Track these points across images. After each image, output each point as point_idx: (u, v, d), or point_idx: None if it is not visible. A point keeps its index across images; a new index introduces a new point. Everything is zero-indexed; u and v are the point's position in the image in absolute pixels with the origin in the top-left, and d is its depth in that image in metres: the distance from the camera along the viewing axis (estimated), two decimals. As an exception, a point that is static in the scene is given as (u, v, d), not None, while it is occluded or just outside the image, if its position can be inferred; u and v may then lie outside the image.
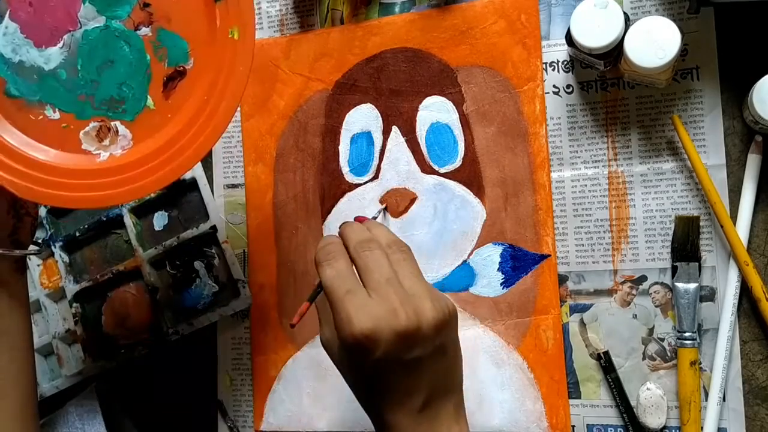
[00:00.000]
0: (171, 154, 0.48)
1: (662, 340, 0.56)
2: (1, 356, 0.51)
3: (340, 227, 0.50)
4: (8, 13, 0.49)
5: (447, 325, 0.44)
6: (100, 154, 0.49)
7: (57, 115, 0.49)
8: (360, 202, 0.63)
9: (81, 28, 0.49)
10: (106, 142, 0.49)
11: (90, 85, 0.49)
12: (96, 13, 0.49)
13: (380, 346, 0.42)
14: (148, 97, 0.49)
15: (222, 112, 0.47)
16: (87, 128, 0.49)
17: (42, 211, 0.70)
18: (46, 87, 0.49)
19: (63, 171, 0.48)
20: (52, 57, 0.49)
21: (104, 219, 0.70)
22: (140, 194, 0.48)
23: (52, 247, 0.71)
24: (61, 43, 0.49)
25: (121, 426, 0.67)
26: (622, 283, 0.57)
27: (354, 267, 0.46)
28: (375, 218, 0.57)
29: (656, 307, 0.56)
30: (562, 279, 0.58)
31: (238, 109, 0.68)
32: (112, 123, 0.49)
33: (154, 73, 0.49)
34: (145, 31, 0.49)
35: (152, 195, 0.69)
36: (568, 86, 0.59)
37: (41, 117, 0.49)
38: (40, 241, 0.56)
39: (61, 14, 0.49)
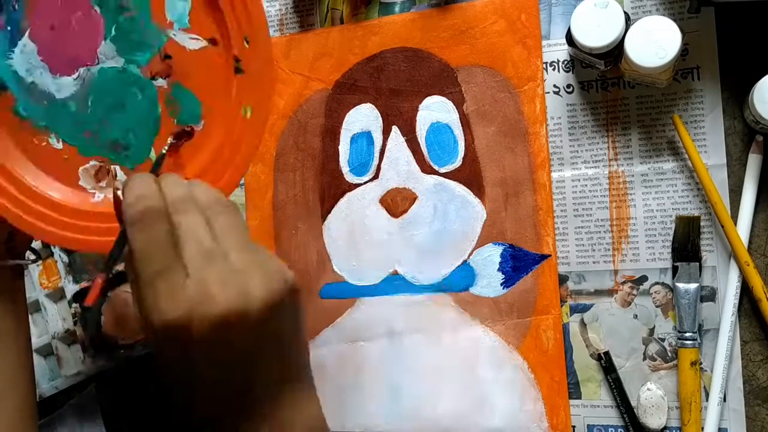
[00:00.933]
0: None
1: (663, 340, 0.56)
2: (2, 359, 0.50)
3: (153, 174, 0.41)
4: (29, 31, 0.48)
5: (283, 306, 0.36)
6: (95, 194, 0.48)
7: (60, 146, 0.48)
8: (360, 202, 0.63)
9: (98, 64, 0.48)
10: (103, 183, 0.48)
11: (97, 123, 0.48)
12: (116, 53, 0.48)
13: (194, 340, 0.34)
14: (153, 149, 0.48)
15: (225, 181, 0.46)
16: (87, 165, 0.48)
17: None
18: (54, 115, 0.48)
19: (56, 205, 0.47)
20: (64, 86, 0.48)
21: (104, 219, 0.70)
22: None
23: (52, 247, 0.71)
24: (77, 74, 0.48)
25: (120, 426, 0.67)
26: (623, 283, 0.57)
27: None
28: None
29: (657, 307, 0.56)
30: (563, 279, 0.58)
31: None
32: (112, 166, 0.48)
33: (162, 126, 0.47)
34: (161, 82, 0.47)
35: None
36: (568, 86, 0.59)
37: (45, 144, 0.48)
38: (37, 249, 0.56)
39: (81, 46, 0.48)
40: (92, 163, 0.48)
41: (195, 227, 0.36)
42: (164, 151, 0.44)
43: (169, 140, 0.46)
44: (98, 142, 0.48)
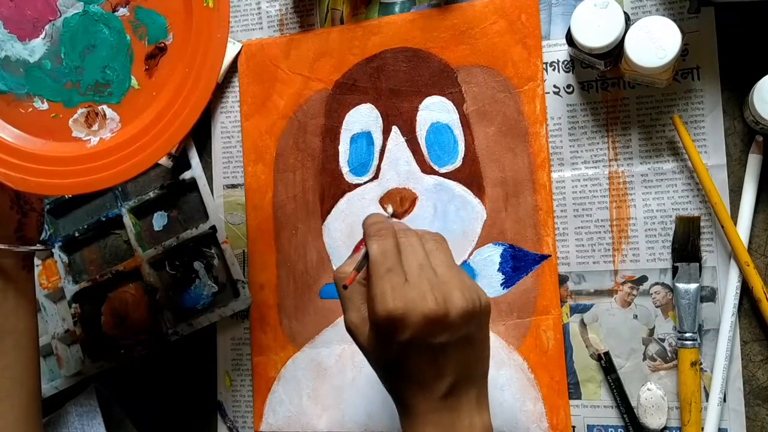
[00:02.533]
0: (158, 130, 0.48)
1: (663, 340, 0.56)
2: (6, 356, 0.50)
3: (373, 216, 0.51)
4: None
5: (475, 317, 0.45)
6: (90, 139, 0.49)
7: (45, 106, 0.50)
8: (360, 202, 0.63)
9: (61, 16, 0.50)
10: (95, 127, 0.49)
11: (75, 72, 0.50)
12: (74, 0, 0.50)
13: (408, 328, 0.43)
14: (132, 77, 0.49)
15: (204, 82, 0.48)
16: (75, 115, 0.50)
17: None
18: (33, 79, 0.50)
19: (55, 160, 0.49)
20: (36, 49, 0.50)
21: (103, 219, 0.70)
22: (132, 173, 0.49)
23: (51, 248, 0.71)
24: (43, 33, 0.50)
25: (120, 427, 0.67)
26: (623, 283, 0.57)
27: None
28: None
29: (657, 307, 0.56)
30: (563, 279, 0.58)
31: (238, 109, 0.68)
32: (99, 107, 0.50)
33: (135, 53, 0.49)
34: (123, 11, 0.49)
35: (151, 195, 0.69)
36: (568, 86, 0.59)
37: (30, 110, 0.50)
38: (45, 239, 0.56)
39: (41, 5, 0.50)
40: (80, 111, 0.50)
41: (414, 245, 0.47)
42: (363, 260, 0.48)
43: None
44: (80, 90, 0.50)
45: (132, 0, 0.49)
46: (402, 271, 0.45)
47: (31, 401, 0.52)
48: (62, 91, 0.50)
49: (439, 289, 0.44)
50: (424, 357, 0.44)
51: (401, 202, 0.62)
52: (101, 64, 0.50)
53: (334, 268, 0.64)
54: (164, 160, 0.66)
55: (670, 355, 0.55)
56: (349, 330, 0.47)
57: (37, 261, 0.72)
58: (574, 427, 0.57)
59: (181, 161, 0.68)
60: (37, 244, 0.54)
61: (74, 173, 0.48)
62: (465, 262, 0.60)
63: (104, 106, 0.50)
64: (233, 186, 0.68)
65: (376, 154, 0.63)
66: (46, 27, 0.50)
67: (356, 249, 0.48)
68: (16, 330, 0.51)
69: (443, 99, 0.62)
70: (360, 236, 0.63)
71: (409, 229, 0.49)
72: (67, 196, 0.70)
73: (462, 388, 0.45)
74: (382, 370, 0.47)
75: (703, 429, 0.54)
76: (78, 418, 0.62)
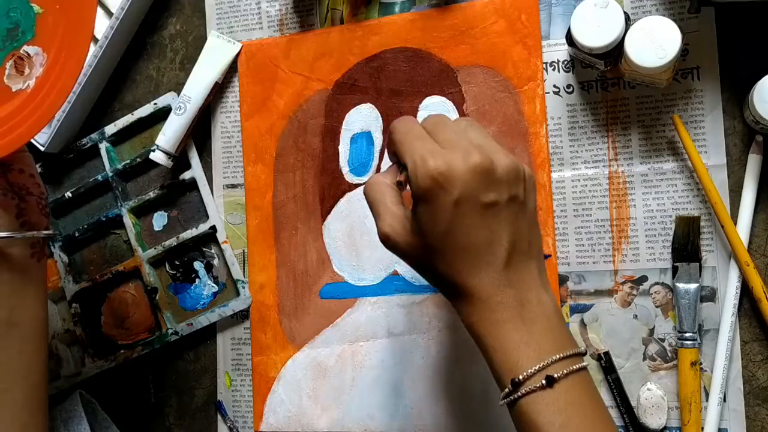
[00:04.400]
0: (72, 33, 0.49)
1: (663, 340, 0.56)
2: (11, 348, 0.49)
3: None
4: None
5: (521, 178, 0.43)
6: (29, 84, 0.49)
7: None
8: (360, 202, 0.63)
9: None
10: (27, 70, 0.50)
11: None
12: None
13: (456, 183, 0.41)
14: (33, 5, 0.50)
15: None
16: (6, 72, 0.50)
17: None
18: None
19: (7, 117, 0.49)
20: None
21: (103, 219, 0.70)
22: (69, 82, 0.49)
23: (52, 248, 0.71)
24: None
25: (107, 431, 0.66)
26: (623, 283, 0.57)
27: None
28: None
29: (657, 307, 0.56)
30: (563, 279, 0.58)
31: (238, 109, 0.68)
32: (20, 51, 0.50)
33: None
34: None
35: (151, 195, 0.69)
36: (568, 86, 0.59)
37: None
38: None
39: None
40: (8, 65, 0.50)
41: (443, 121, 0.46)
42: None
43: None
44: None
45: None
46: (435, 142, 0.44)
47: (35, 394, 0.51)
48: None
49: (481, 149, 0.42)
50: (476, 218, 0.42)
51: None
52: (3, 12, 0.50)
53: (334, 268, 0.64)
54: (164, 160, 0.66)
55: (670, 355, 0.55)
56: (385, 236, 0.45)
57: (37, 261, 0.72)
58: (574, 427, 0.57)
59: (181, 161, 0.68)
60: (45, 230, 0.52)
61: (27, 116, 0.49)
62: (465, 262, 0.60)
63: (24, 47, 0.50)
64: (233, 186, 0.68)
65: (376, 154, 0.63)
66: None
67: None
68: (22, 323, 0.50)
69: (443, 99, 0.62)
70: (359, 237, 0.63)
71: (439, 113, 0.48)
72: (67, 194, 0.70)
73: (520, 260, 0.43)
74: (430, 255, 0.44)
75: (703, 429, 0.54)
76: (63, 425, 0.62)
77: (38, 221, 0.51)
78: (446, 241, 0.43)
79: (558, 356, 0.41)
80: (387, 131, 0.63)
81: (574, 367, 0.42)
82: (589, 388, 0.43)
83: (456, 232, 0.42)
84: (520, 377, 0.41)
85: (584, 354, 0.44)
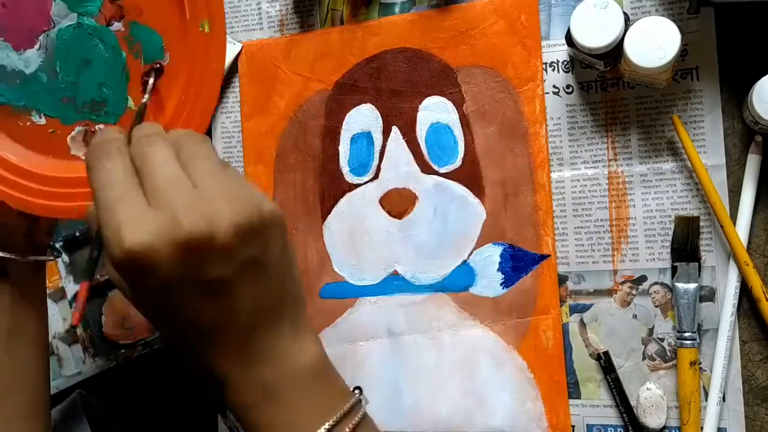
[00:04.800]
0: None
1: (662, 340, 0.56)
2: (14, 355, 0.50)
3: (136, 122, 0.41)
4: None
5: (256, 234, 0.34)
6: None
7: (43, 120, 0.48)
8: (360, 202, 0.63)
9: (54, 27, 0.48)
10: None
11: (71, 88, 0.48)
12: (67, 10, 0.48)
13: (160, 267, 0.32)
14: (129, 97, 0.48)
15: (201, 110, 0.47)
16: (73, 133, 0.49)
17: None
18: (30, 91, 0.48)
19: (55, 180, 0.47)
20: (31, 60, 0.48)
21: (104, 219, 0.70)
22: None
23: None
24: (38, 44, 0.48)
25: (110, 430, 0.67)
26: (622, 283, 0.57)
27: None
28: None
29: (656, 307, 0.56)
30: (562, 279, 0.58)
31: (239, 110, 0.68)
32: (96, 126, 0.48)
33: (131, 72, 0.48)
34: (117, 26, 0.48)
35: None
36: (568, 86, 0.59)
37: (29, 123, 0.48)
38: (58, 248, 0.55)
39: (34, 14, 0.48)
40: (77, 129, 0.49)
41: (163, 156, 0.35)
42: (144, 101, 0.44)
43: (149, 83, 0.46)
44: (77, 107, 0.48)
45: (126, 14, 0.48)
46: (139, 195, 0.34)
47: (35, 401, 0.51)
48: (59, 106, 0.48)
49: (197, 206, 0.33)
50: (199, 302, 0.34)
51: (401, 202, 0.62)
52: (97, 81, 0.48)
53: (335, 268, 0.64)
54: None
55: (669, 354, 0.56)
56: (115, 284, 0.37)
57: (37, 261, 0.72)
58: (573, 426, 0.57)
59: (181, 161, 0.68)
60: (49, 249, 0.53)
61: (74, 196, 0.47)
62: (465, 261, 0.60)
63: (101, 126, 0.48)
64: (233, 186, 0.68)
65: (376, 155, 0.63)
66: (41, 38, 0.48)
67: None
68: (23, 332, 0.50)
69: (443, 99, 0.62)
70: (359, 237, 0.63)
71: (157, 134, 0.37)
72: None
73: (266, 326, 0.36)
74: (157, 327, 0.38)
75: (702, 428, 0.54)
76: (63, 424, 0.62)
77: (43, 241, 0.52)
78: (164, 327, 0.37)
79: (331, 422, 0.37)
80: (387, 132, 0.63)
81: (356, 419, 0.38)
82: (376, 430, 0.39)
83: (174, 319, 0.35)
84: None
85: (360, 397, 0.40)
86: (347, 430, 0.37)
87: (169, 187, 0.34)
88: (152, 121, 0.45)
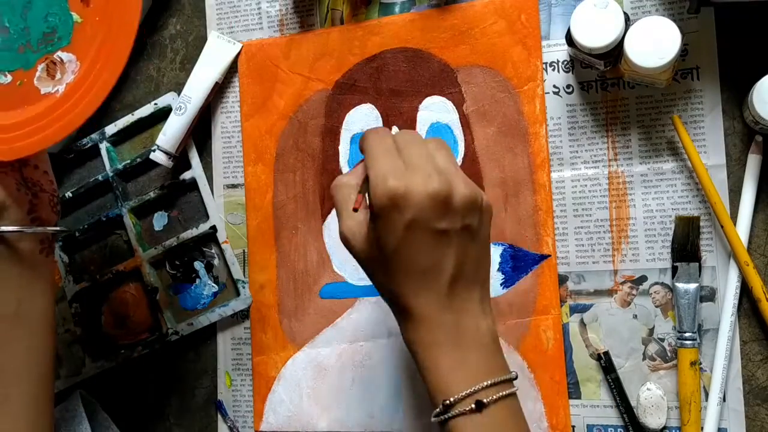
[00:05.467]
0: (109, 46, 0.49)
1: (662, 340, 0.56)
2: (20, 342, 0.50)
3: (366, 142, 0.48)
4: None
5: (477, 208, 0.44)
6: (58, 89, 0.50)
7: (9, 78, 0.51)
8: (360, 202, 0.63)
9: None
10: (58, 75, 0.50)
11: (23, 34, 0.50)
12: None
13: (412, 206, 0.42)
14: (72, 13, 0.50)
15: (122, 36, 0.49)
16: (37, 74, 0.50)
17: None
18: None
19: (32, 119, 0.49)
20: None
21: (104, 219, 0.70)
22: (101, 93, 0.49)
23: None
24: None
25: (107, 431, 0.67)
26: (622, 283, 0.57)
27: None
28: None
29: (656, 307, 0.56)
30: (562, 279, 0.58)
31: (238, 109, 0.68)
32: (55, 56, 0.50)
33: None
34: None
35: (152, 195, 0.69)
36: (568, 86, 0.59)
37: None
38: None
39: None
40: (40, 67, 0.50)
41: (414, 139, 0.46)
42: None
43: None
44: (33, 48, 0.50)
45: None
46: (401, 160, 0.44)
47: (42, 388, 0.51)
48: (18, 57, 0.50)
49: (443, 174, 0.43)
50: (426, 242, 0.43)
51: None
52: (42, 15, 0.50)
53: (335, 268, 0.64)
54: (165, 160, 0.66)
55: (669, 354, 0.56)
56: (345, 238, 0.46)
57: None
58: (573, 426, 0.57)
59: (181, 161, 0.68)
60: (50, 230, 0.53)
61: (54, 120, 0.49)
62: (465, 262, 0.60)
63: (59, 53, 0.50)
64: (233, 186, 0.68)
65: (376, 154, 0.63)
66: None
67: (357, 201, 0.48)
68: (30, 317, 0.50)
69: (443, 99, 0.62)
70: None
71: (414, 132, 0.49)
72: (68, 194, 0.71)
73: (464, 286, 0.44)
74: (381, 267, 0.45)
75: (702, 429, 0.54)
76: (64, 424, 0.62)
77: (48, 218, 0.52)
78: (394, 259, 0.44)
79: (488, 382, 0.43)
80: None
81: (503, 393, 0.43)
82: (517, 414, 0.44)
83: (404, 253, 0.43)
84: (451, 400, 0.43)
85: (515, 378, 0.45)
86: (495, 396, 0.43)
87: (421, 160, 0.44)
88: (95, 21, 0.50)
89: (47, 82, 0.50)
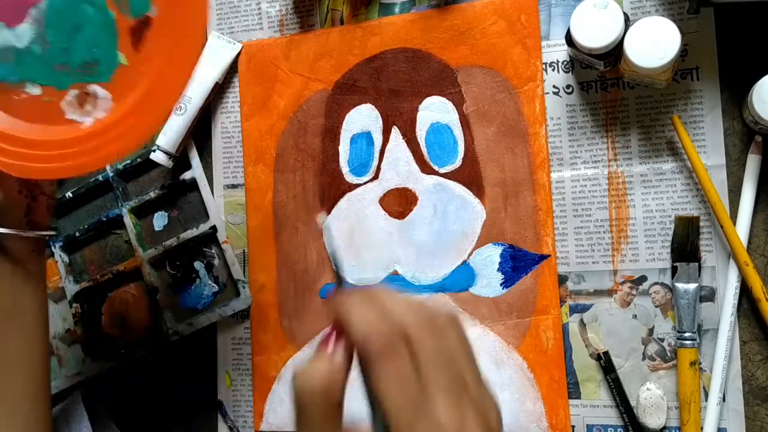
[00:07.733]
0: (150, 104, 0.48)
1: (662, 340, 0.56)
2: (15, 339, 0.50)
3: (335, 301, 0.38)
4: None
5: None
6: (84, 120, 0.49)
7: (38, 91, 0.50)
8: (360, 202, 0.63)
9: None
10: (88, 107, 0.49)
11: (63, 54, 0.49)
12: None
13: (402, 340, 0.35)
14: (119, 53, 0.49)
15: (190, 51, 0.47)
16: (68, 97, 0.49)
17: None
18: (23, 64, 0.49)
19: (53, 144, 0.49)
20: (23, 34, 0.49)
21: (104, 219, 0.70)
22: (129, 149, 0.48)
23: (52, 247, 0.71)
24: (29, 17, 0.49)
25: (108, 430, 0.67)
26: (622, 283, 0.57)
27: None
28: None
29: (656, 307, 0.56)
30: (562, 279, 0.58)
31: (238, 110, 0.68)
32: (90, 87, 0.49)
33: (120, 29, 0.48)
34: None
35: (152, 195, 0.69)
36: (568, 86, 0.59)
37: (24, 95, 0.49)
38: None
39: None
40: (72, 93, 0.49)
41: (403, 375, 0.35)
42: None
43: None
44: (70, 71, 0.49)
45: None
46: (430, 402, 0.34)
47: (37, 384, 0.52)
48: (53, 74, 0.49)
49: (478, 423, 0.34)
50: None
51: (401, 202, 0.62)
52: (88, 44, 0.49)
53: (335, 268, 0.64)
54: (165, 160, 0.66)
55: (669, 354, 0.56)
56: None
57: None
58: (573, 426, 0.57)
59: (181, 161, 0.68)
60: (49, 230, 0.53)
61: (73, 155, 0.48)
62: (465, 262, 0.60)
63: (95, 86, 0.49)
64: (233, 186, 0.68)
65: (376, 155, 0.63)
66: (31, 11, 0.49)
67: (325, 341, 0.39)
68: (23, 313, 0.51)
69: (443, 99, 0.62)
70: (359, 237, 0.63)
71: (396, 329, 0.35)
72: (68, 195, 0.71)
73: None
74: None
75: (702, 429, 0.54)
76: (64, 424, 0.62)
77: (42, 221, 0.53)
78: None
79: None
80: (387, 132, 0.63)
81: None
82: None
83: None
84: None
85: None
86: None
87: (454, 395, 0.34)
88: (141, 71, 0.48)
89: (75, 109, 0.49)
